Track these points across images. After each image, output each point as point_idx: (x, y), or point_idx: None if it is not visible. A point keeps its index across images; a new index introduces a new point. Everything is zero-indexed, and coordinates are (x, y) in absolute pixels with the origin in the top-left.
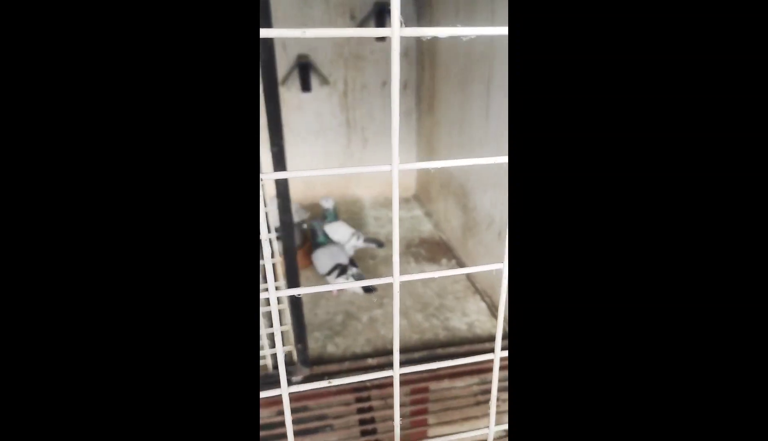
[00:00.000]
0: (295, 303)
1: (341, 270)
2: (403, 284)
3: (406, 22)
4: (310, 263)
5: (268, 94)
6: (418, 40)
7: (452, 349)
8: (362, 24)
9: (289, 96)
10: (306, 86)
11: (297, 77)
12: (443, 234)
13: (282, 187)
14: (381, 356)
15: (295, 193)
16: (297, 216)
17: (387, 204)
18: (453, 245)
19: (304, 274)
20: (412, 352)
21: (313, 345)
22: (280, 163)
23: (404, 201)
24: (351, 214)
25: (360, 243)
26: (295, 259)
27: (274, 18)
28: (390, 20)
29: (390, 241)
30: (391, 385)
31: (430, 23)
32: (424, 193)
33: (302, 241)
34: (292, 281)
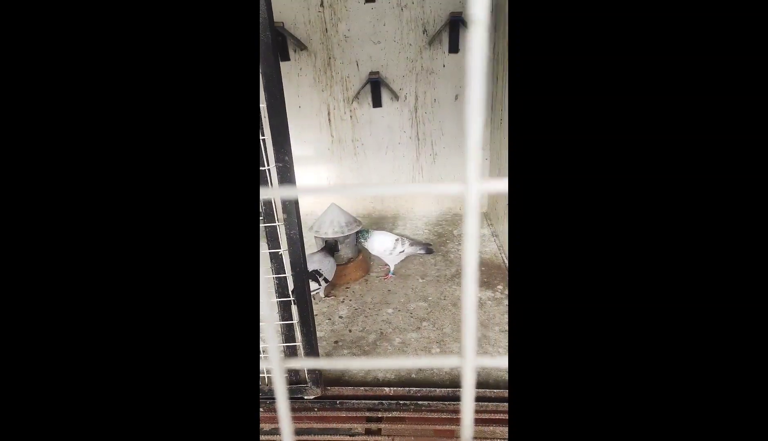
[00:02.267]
0: (305, 319)
1: (401, 242)
2: (445, 308)
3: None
4: (365, 272)
5: (273, 110)
6: (495, 51)
7: (481, 392)
8: (435, 38)
9: (361, 112)
10: (377, 102)
11: (369, 93)
12: (505, 258)
13: (289, 203)
14: (401, 386)
15: (363, 207)
16: (348, 228)
17: (456, 220)
18: None
19: (358, 284)
20: (435, 388)
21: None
22: (285, 178)
23: None
24: (415, 229)
25: (407, 248)
26: (304, 276)
27: (349, 35)
28: (464, 32)
29: (449, 257)
30: (405, 420)
31: (504, 34)
32: (493, 211)
33: (356, 253)
34: (302, 304)
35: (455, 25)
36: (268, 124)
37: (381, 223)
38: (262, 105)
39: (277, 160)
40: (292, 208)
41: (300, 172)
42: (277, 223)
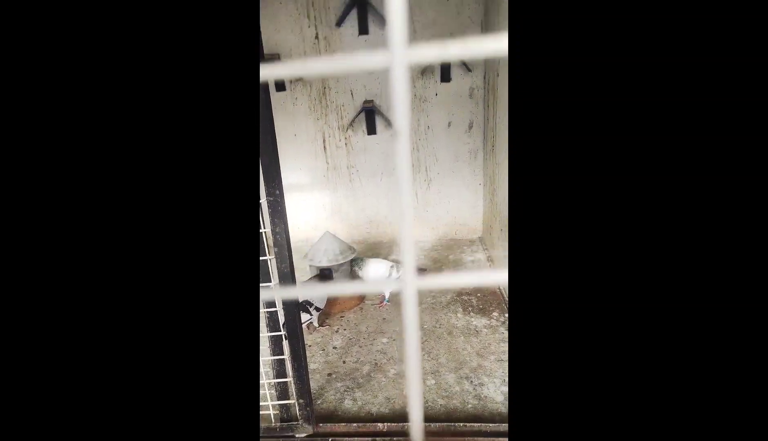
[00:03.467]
0: (296, 354)
1: (396, 269)
2: (440, 337)
3: (472, 62)
4: (360, 301)
5: (265, 145)
6: (485, 79)
7: (477, 426)
8: (427, 68)
9: (355, 139)
10: (371, 129)
11: (363, 121)
12: (502, 284)
13: (281, 236)
14: (396, 422)
15: (358, 233)
16: (342, 256)
17: (452, 245)
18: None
19: (353, 313)
20: (430, 422)
21: (332, 397)
22: (276, 213)
23: (469, 243)
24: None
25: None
26: (296, 309)
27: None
28: (455, 62)
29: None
30: None
31: (493, 63)
32: (488, 236)
33: (350, 280)
34: (294, 339)
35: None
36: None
37: (376, 248)
38: None
39: (267, 195)
40: (283, 241)
41: (295, 198)
42: (267, 257)
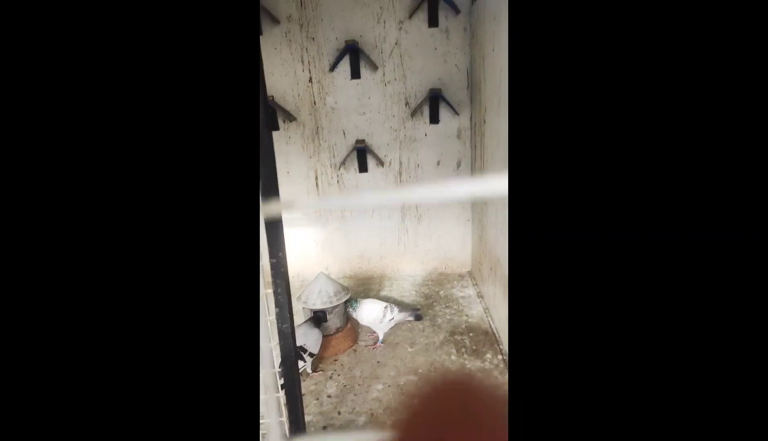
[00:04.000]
0: (296, 424)
1: (390, 310)
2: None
3: (459, 107)
4: (354, 342)
5: (267, 204)
6: (472, 122)
7: None
8: (416, 110)
9: (347, 177)
10: (363, 168)
11: (355, 159)
12: (492, 321)
13: (282, 297)
14: None
15: (349, 268)
16: (336, 298)
17: (441, 281)
18: (501, 337)
19: (347, 355)
20: None
21: None
22: (279, 274)
23: (458, 277)
24: (401, 290)
25: (396, 315)
26: (295, 381)
27: (336, 107)
28: (443, 106)
29: (436, 321)
30: None
31: (480, 108)
32: (477, 271)
33: (344, 321)
34: (294, 412)
35: (435, 99)
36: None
37: (367, 284)
38: None
39: (271, 256)
40: (284, 302)
41: (287, 233)
42: (268, 318)
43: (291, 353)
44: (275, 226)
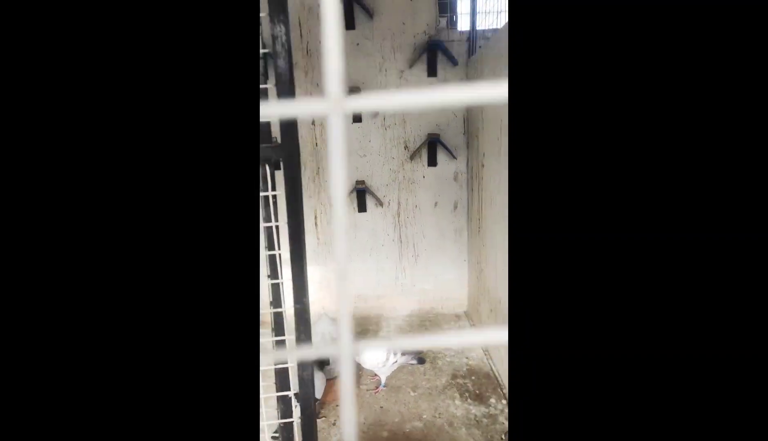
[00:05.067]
0: None
1: (393, 353)
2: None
3: (457, 151)
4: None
5: (294, 255)
6: (468, 165)
7: None
8: (415, 153)
9: (347, 216)
10: (362, 207)
11: (355, 199)
12: (493, 364)
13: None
14: None
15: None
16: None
17: (439, 320)
18: (503, 381)
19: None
20: None
21: None
22: (302, 320)
23: (455, 317)
24: (400, 330)
25: (399, 358)
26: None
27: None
28: (440, 150)
29: (437, 364)
30: None
31: (477, 153)
32: (474, 311)
33: None
34: None
35: (433, 144)
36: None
37: (364, 323)
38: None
39: (295, 302)
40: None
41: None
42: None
43: (310, 403)
44: (301, 273)
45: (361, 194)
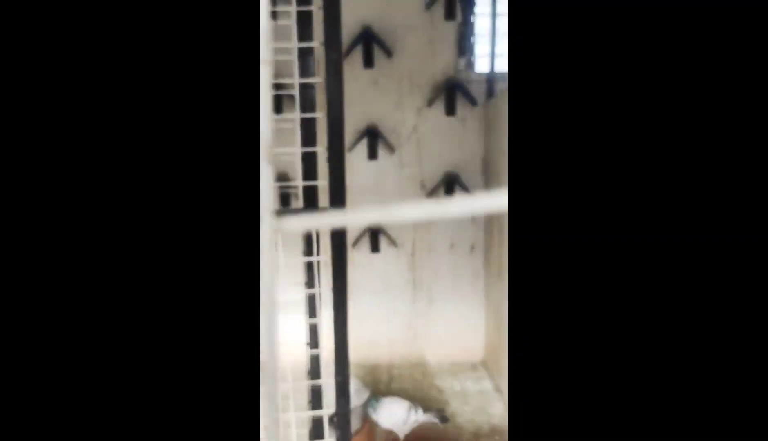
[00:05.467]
0: None
1: (414, 410)
2: None
3: (474, 189)
4: None
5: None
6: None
7: None
8: (432, 193)
9: (359, 256)
10: (375, 248)
11: (368, 239)
12: None
13: (342, 419)
14: None
15: (356, 355)
16: (357, 397)
17: (454, 371)
18: None
19: None
20: None
21: None
22: (343, 393)
23: (471, 367)
24: (413, 381)
25: (420, 416)
26: None
27: (353, 187)
28: (458, 189)
29: (456, 421)
30: None
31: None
32: (493, 360)
33: (361, 421)
34: None
35: (450, 183)
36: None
37: (375, 372)
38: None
39: (337, 374)
40: (344, 425)
41: (293, 318)
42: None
43: None
44: (343, 343)
45: (374, 234)
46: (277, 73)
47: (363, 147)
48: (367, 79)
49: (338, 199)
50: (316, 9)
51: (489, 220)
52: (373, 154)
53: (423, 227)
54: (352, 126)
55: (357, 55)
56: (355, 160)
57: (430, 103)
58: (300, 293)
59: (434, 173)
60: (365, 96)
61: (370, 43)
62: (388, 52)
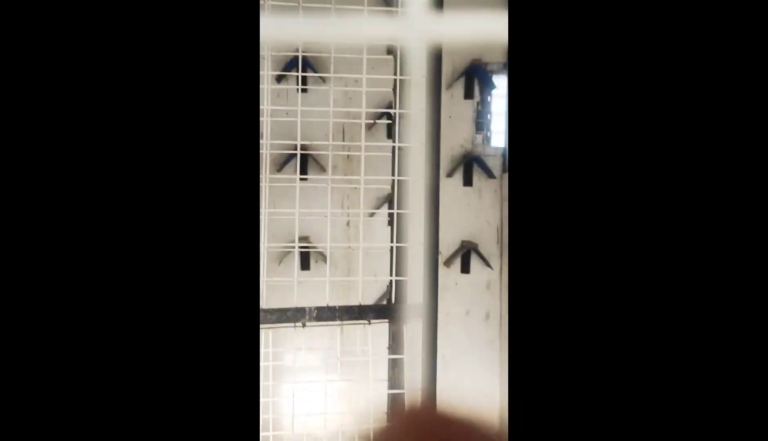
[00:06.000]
0: None
1: None
2: None
3: (490, 259)
4: None
5: None
6: (501, 276)
7: None
8: (449, 260)
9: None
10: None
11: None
12: None
13: None
14: None
15: (367, 423)
16: None
17: None
18: None
19: None
20: None
21: None
22: None
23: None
24: None
25: None
26: None
27: (371, 251)
28: (475, 257)
29: None
30: None
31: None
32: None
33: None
34: None
35: (467, 251)
36: None
37: None
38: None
39: None
40: None
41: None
42: None
43: None
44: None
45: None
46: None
47: (384, 213)
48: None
49: None
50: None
51: (502, 286)
52: (390, 222)
53: (441, 295)
54: (373, 194)
55: (382, 127)
56: (375, 224)
57: (450, 173)
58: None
59: (451, 240)
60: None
61: (392, 117)
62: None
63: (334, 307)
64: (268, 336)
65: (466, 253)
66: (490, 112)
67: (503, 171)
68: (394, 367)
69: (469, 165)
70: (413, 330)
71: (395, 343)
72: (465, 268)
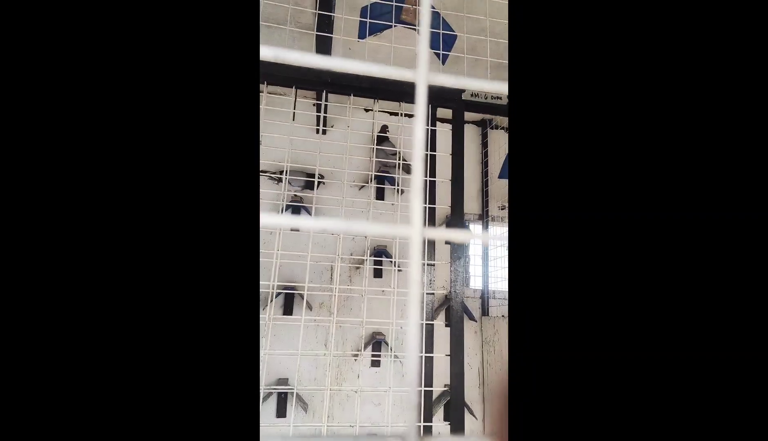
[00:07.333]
0: None
1: None
2: None
3: (472, 405)
4: None
5: None
6: (485, 424)
7: None
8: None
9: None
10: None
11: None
12: None
13: None
14: None
15: None
16: None
17: None
18: None
19: None
20: None
21: None
22: None
23: None
24: None
25: None
26: None
27: (353, 394)
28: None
29: None
30: None
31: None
32: None
33: None
34: None
35: (449, 400)
36: None
37: None
38: None
39: None
40: None
41: None
42: None
43: None
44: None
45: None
46: None
47: (367, 355)
48: (377, 288)
49: None
50: None
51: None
52: (376, 363)
53: None
54: (357, 332)
55: (368, 270)
56: (358, 365)
57: (432, 316)
58: None
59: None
60: (373, 305)
61: (381, 260)
62: (399, 268)
63: None
64: None
65: (448, 403)
66: (468, 256)
67: (482, 312)
68: None
69: (450, 307)
70: None
71: None
72: (448, 417)
